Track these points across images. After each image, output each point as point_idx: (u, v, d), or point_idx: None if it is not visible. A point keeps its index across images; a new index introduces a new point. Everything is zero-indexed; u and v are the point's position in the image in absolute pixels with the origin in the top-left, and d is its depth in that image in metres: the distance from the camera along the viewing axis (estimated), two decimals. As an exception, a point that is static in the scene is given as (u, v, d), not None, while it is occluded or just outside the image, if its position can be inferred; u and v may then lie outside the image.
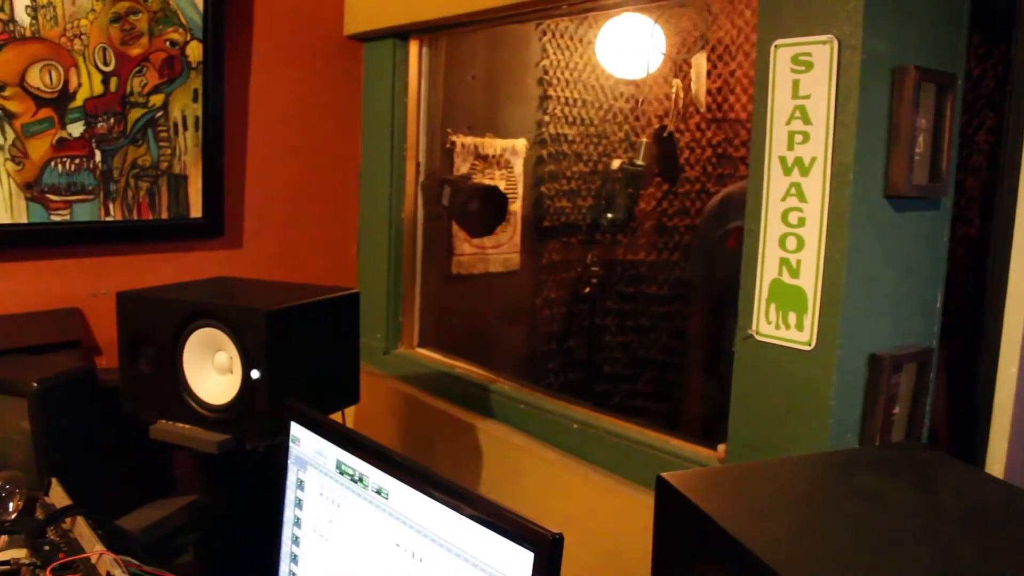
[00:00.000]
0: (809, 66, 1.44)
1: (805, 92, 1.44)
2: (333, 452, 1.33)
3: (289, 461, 1.45)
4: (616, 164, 2.69)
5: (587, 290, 2.85)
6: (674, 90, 2.30)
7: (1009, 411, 1.45)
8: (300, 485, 1.42)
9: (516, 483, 1.98)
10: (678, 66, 2.65)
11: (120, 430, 1.92)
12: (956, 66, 1.55)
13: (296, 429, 1.45)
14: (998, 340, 1.48)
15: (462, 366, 2.34)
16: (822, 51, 1.42)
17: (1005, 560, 0.72)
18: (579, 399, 2.07)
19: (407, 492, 1.16)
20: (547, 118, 2.92)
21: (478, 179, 2.64)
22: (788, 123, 1.47)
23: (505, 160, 2.77)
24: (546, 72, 2.90)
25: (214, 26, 2.21)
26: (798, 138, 1.46)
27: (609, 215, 2.74)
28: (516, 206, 2.84)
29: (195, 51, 2.21)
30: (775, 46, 1.48)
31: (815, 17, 1.42)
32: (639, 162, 2.54)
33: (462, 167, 2.64)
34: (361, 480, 1.25)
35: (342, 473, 1.30)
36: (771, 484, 0.88)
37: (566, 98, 2.96)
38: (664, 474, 0.87)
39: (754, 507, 0.81)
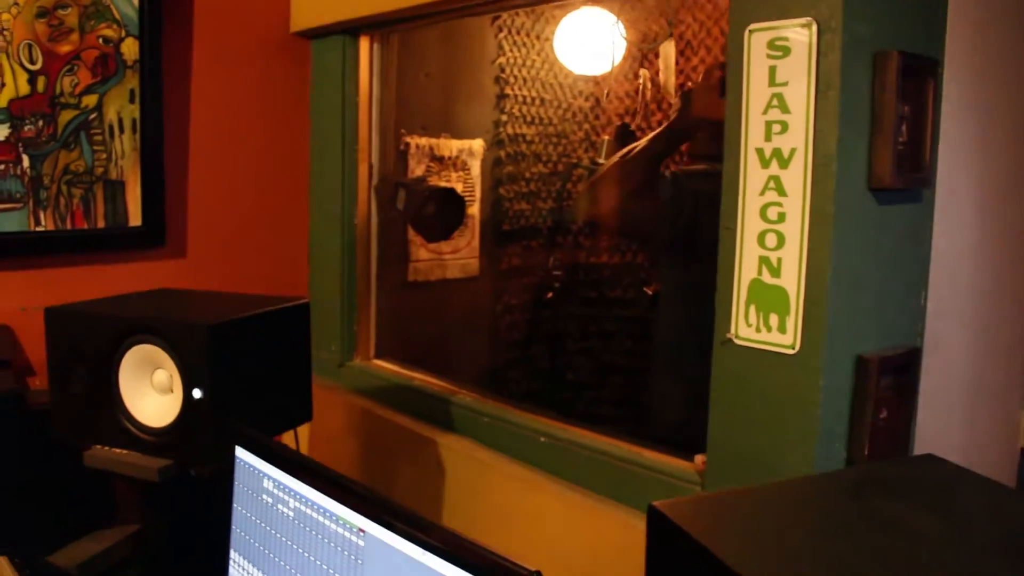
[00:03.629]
0: (786, 51, 1.35)
1: (782, 79, 1.36)
2: (286, 481, 1.21)
3: (235, 489, 1.33)
4: (579, 163, 2.60)
5: (549, 295, 2.75)
6: (641, 81, 2.21)
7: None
8: (248, 515, 1.30)
9: (482, 502, 1.87)
10: (644, 56, 2.56)
11: (53, 457, 1.79)
12: (936, 50, 1.48)
13: (241, 454, 1.33)
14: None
15: (421, 377, 2.22)
16: (800, 35, 1.33)
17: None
18: (543, 408, 1.96)
19: (369, 526, 1.05)
20: (504, 117, 2.82)
21: (434, 181, 2.53)
22: (765, 112, 1.38)
23: (462, 162, 2.66)
24: (503, 70, 2.80)
25: (151, 22, 2.07)
26: (776, 128, 1.37)
27: (570, 217, 2.65)
28: (474, 209, 2.73)
29: (131, 49, 2.07)
30: (749, 30, 1.39)
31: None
32: (601, 161, 2.45)
33: (417, 169, 2.52)
34: (321, 512, 1.14)
35: (302, 505, 1.18)
36: (774, 511, 0.78)
37: (524, 97, 2.86)
38: (656, 503, 0.77)
39: (761, 540, 0.71)
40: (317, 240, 2.44)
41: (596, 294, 2.96)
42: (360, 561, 1.06)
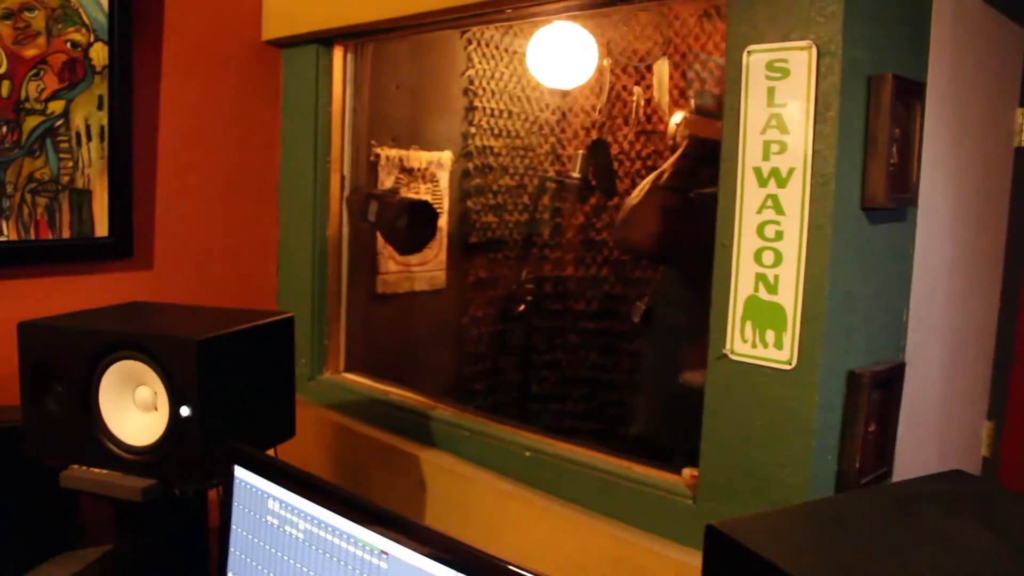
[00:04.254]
0: (786, 73, 1.38)
1: (781, 100, 1.38)
2: (295, 502, 1.19)
3: (233, 510, 1.30)
4: (556, 177, 2.61)
5: (521, 308, 2.75)
6: (635, 98, 2.23)
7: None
8: (248, 536, 1.27)
9: (467, 516, 1.86)
10: (640, 73, 2.58)
11: (15, 477, 1.71)
12: (921, 74, 1.53)
13: (241, 473, 1.29)
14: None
15: (397, 392, 2.20)
16: (800, 57, 1.36)
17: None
18: (520, 422, 1.96)
19: (393, 548, 1.03)
20: (473, 130, 2.81)
21: (404, 193, 2.51)
22: (763, 132, 1.41)
23: (431, 174, 2.64)
24: (472, 82, 2.80)
25: (120, 27, 2.01)
26: (774, 148, 1.39)
27: (541, 230, 2.65)
28: (442, 221, 2.71)
29: (100, 54, 2.01)
30: (748, 51, 1.41)
31: (792, 23, 1.36)
32: (575, 174, 2.46)
33: (387, 181, 2.50)
34: (337, 534, 1.11)
35: (314, 527, 1.16)
36: (830, 527, 0.79)
37: (492, 109, 2.86)
38: (714, 522, 0.78)
39: (826, 555, 0.72)
40: (287, 252, 2.40)
41: (561, 307, 2.97)
42: (382, 583, 1.04)
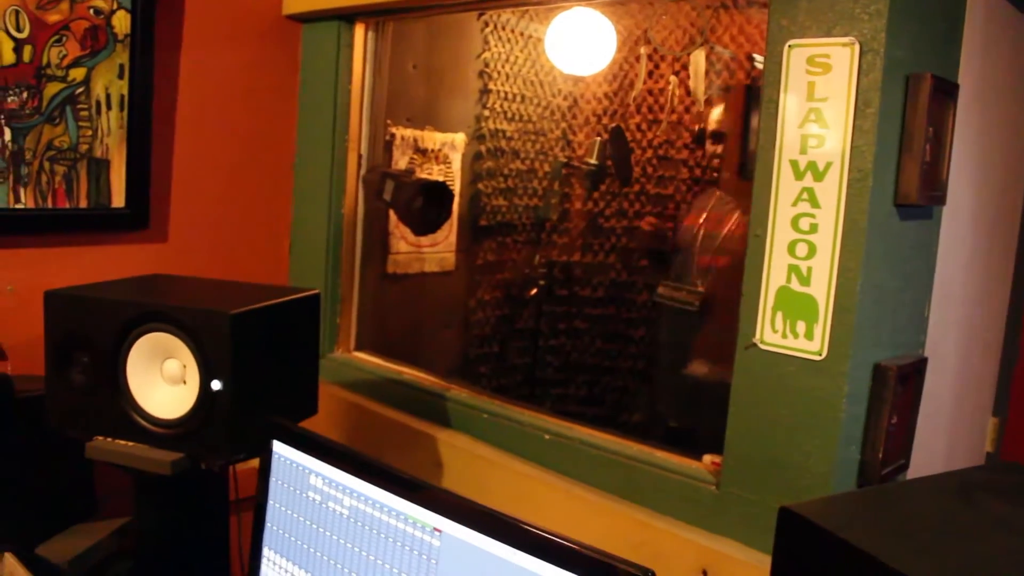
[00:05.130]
0: (827, 68, 1.39)
1: (821, 95, 1.40)
2: (339, 478, 1.20)
3: (271, 484, 1.31)
4: (568, 162, 2.62)
5: (533, 291, 2.76)
6: (671, 87, 2.24)
7: None
8: (288, 512, 1.28)
9: (487, 498, 1.85)
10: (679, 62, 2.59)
11: (34, 447, 1.71)
12: (954, 74, 1.55)
13: (281, 448, 1.30)
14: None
15: (409, 371, 2.21)
16: (842, 53, 1.37)
17: None
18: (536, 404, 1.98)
19: (447, 525, 1.05)
20: (486, 112, 2.81)
21: (418, 174, 2.51)
22: (801, 126, 1.42)
23: (444, 155, 2.65)
24: (487, 65, 2.80)
25: (145, -5, 2.00)
26: (812, 142, 1.41)
27: (551, 215, 2.67)
28: (454, 203, 2.72)
29: (122, 22, 1.99)
30: (789, 46, 1.43)
31: (834, 19, 1.38)
32: (592, 160, 2.47)
33: (401, 161, 2.50)
34: (386, 511, 1.12)
35: (360, 504, 1.17)
36: (898, 512, 0.82)
37: (506, 93, 2.86)
38: (787, 505, 0.80)
39: (904, 539, 0.74)
40: (301, 229, 2.39)
41: (567, 292, 2.98)
42: (434, 561, 1.05)
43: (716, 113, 2.00)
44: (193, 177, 2.21)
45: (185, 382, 1.51)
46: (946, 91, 1.48)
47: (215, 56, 2.21)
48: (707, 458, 1.66)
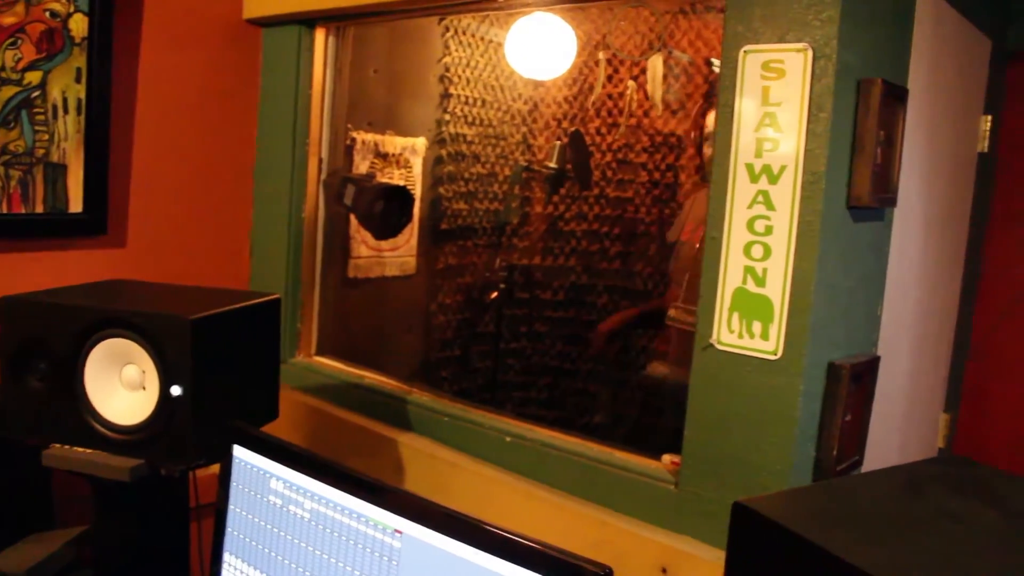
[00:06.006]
0: (781, 73, 1.42)
1: (776, 99, 1.43)
2: (300, 482, 1.20)
3: (231, 489, 1.30)
4: (525, 165, 2.63)
5: (494, 295, 2.77)
6: (629, 92, 2.26)
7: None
8: (248, 516, 1.27)
9: (449, 501, 1.85)
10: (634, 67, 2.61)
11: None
12: (904, 79, 1.59)
13: (241, 453, 1.30)
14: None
15: (370, 375, 2.21)
16: (795, 59, 1.40)
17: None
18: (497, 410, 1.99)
19: (407, 526, 1.05)
20: (447, 117, 2.82)
21: (378, 178, 2.51)
22: (757, 130, 1.45)
23: (404, 159, 2.65)
24: (448, 70, 2.80)
25: (102, -1, 1.98)
26: (767, 145, 1.44)
27: (512, 218, 2.68)
28: (414, 207, 2.72)
29: (79, 25, 1.97)
30: (744, 51, 1.46)
31: (788, 25, 1.41)
32: (552, 164, 2.48)
33: (361, 165, 2.50)
34: (346, 513, 1.13)
35: (321, 507, 1.17)
36: (849, 505, 0.84)
37: (466, 97, 2.87)
38: (741, 500, 0.81)
39: (855, 531, 0.76)
40: (261, 233, 2.38)
41: (528, 295, 3.00)
42: (395, 562, 1.06)
43: (712, 119, 2.02)
44: (152, 182, 2.19)
45: (144, 388, 1.49)
46: (896, 95, 1.52)
47: (174, 60, 2.19)
48: (666, 458, 1.68)
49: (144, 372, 1.49)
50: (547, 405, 2.97)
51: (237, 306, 1.59)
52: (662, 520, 1.60)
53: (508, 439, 1.85)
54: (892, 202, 1.58)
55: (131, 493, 1.58)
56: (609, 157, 2.81)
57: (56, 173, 1.99)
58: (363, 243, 2.58)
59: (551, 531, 1.71)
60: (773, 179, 1.44)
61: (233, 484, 1.31)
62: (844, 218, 1.47)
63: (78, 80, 1.99)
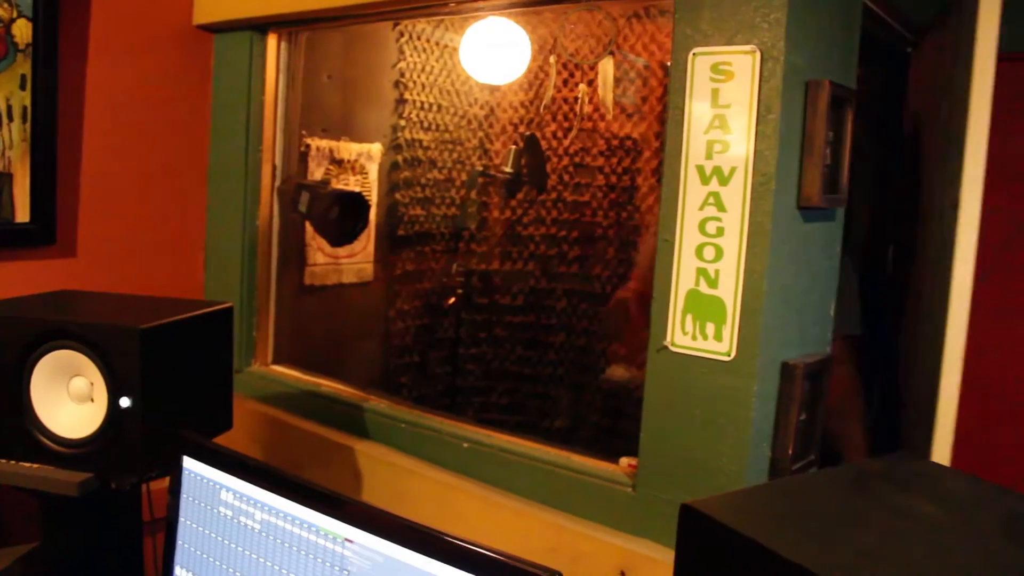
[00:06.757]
0: (730, 75, 1.43)
1: (725, 101, 1.43)
2: (251, 492, 1.18)
3: (182, 501, 1.28)
4: (481, 170, 2.63)
5: (451, 301, 2.75)
6: (580, 96, 2.26)
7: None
8: (199, 528, 1.25)
9: (405, 508, 1.83)
10: (582, 72, 2.61)
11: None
12: (851, 80, 1.61)
13: (191, 464, 1.28)
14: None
15: (327, 383, 2.19)
16: (744, 61, 1.41)
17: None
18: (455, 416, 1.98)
19: (357, 535, 1.04)
20: (403, 122, 2.80)
21: (334, 184, 2.49)
22: (707, 132, 1.46)
23: (360, 165, 2.63)
24: (402, 75, 2.79)
25: (46, 3, 1.93)
26: (717, 147, 1.45)
27: (469, 223, 2.67)
28: (371, 214, 2.70)
29: (23, 31, 1.93)
30: (693, 54, 1.46)
31: (736, 27, 1.42)
32: (507, 169, 2.48)
33: (316, 172, 2.48)
34: (297, 524, 1.11)
35: (272, 517, 1.15)
36: (795, 504, 0.84)
37: (422, 102, 2.85)
38: (688, 501, 0.81)
39: (800, 530, 0.77)
40: (215, 242, 2.35)
41: (487, 300, 2.99)
42: (346, 572, 1.05)
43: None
44: (103, 190, 2.15)
45: (93, 400, 1.47)
46: (844, 96, 1.53)
47: (124, 66, 2.16)
48: (623, 460, 1.68)
49: (92, 384, 1.46)
50: (508, 410, 2.96)
51: (188, 315, 1.56)
52: (620, 523, 1.59)
53: (466, 445, 1.84)
54: (841, 202, 1.60)
55: (81, 508, 1.55)
56: (566, 161, 2.81)
57: (1, 182, 1.95)
58: (319, 250, 2.56)
59: (509, 536, 1.70)
60: (724, 181, 1.44)
61: (183, 496, 1.29)
62: (795, 218, 1.48)
63: (23, 87, 1.95)
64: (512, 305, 2.98)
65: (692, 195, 1.48)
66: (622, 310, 2.24)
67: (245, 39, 2.22)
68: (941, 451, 1.57)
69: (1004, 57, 1.61)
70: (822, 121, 1.45)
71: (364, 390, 2.14)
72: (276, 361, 2.36)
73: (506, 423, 2.83)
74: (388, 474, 1.91)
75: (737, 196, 1.43)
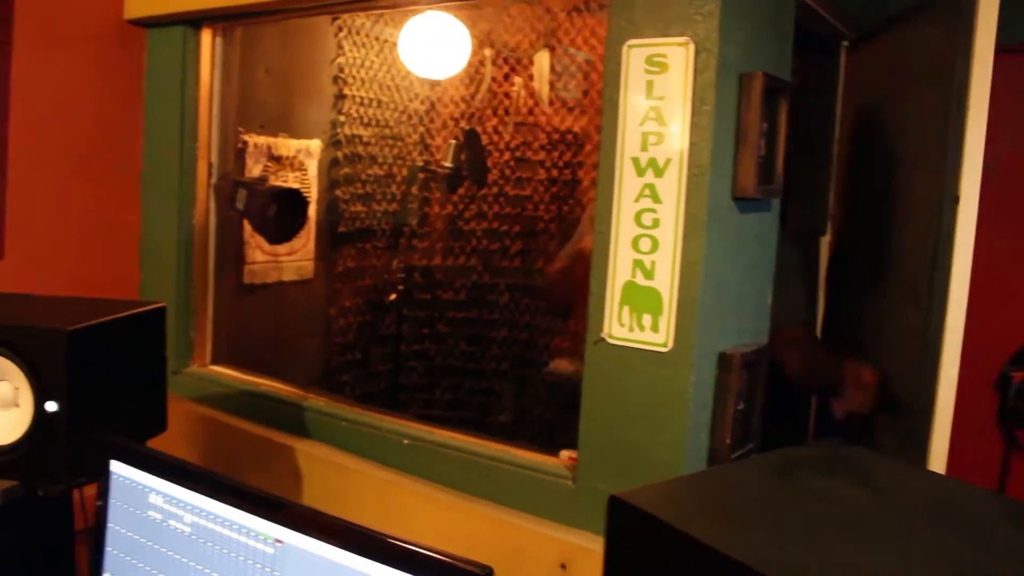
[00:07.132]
0: (664, 67, 1.43)
1: (660, 93, 1.44)
2: (180, 495, 1.15)
3: (109, 506, 1.25)
4: (424, 166, 2.61)
5: (392, 297, 2.73)
6: (516, 89, 2.25)
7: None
8: (127, 533, 1.22)
9: (346, 506, 1.83)
10: (519, 64, 2.60)
11: None
12: (786, 72, 1.62)
13: (119, 468, 1.24)
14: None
15: (266, 383, 2.15)
16: (678, 53, 1.42)
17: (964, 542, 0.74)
18: (396, 410, 1.96)
19: (287, 535, 1.02)
20: (342, 118, 2.77)
21: (272, 181, 2.45)
22: (642, 124, 1.46)
23: (299, 162, 2.59)
24: (342, 70, 2.75)
25: (-35, -2, 1.88)
26: (652, 139, 1.45)
27: (410, 219, 2.65)
28: (311, 211, 2.66)
29: (-59, 27, 1.87)
30: (628, 46, 1.46)
31: (670, 19, 1.42)
32: (447, 164, 2.47)
33: (254, 169, 2.44)
34: (227, 525, 1.09)
35: (201, 519, 1.13)
36: (721, 493, 0.85)
37: (361, 98, 2.82)
38: (616, 493, 0.81)
39: (722, 517, 0.77)
40: (150, 241, 2.30)
41: (429, 296, 2.97)
42: (277, 573, 1.03)
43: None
44: (32, 190, 2.09)
45: (18, 405, 1.42)
46: (778, 88, 1.54)
47: (51, 62, 2.10)
48: (564, 453, 1.68)
49: (17, 389, 1.41)
50: (452, 406, 2.95)
51: (117, 316, 1.52)
52: (561, 516, 1.59)
53: (406, 441, 1.82)
54: (776, 193, 1.61)
55: (6, 517, 1.50)
56: (507, 155, 2.80)
57: (-79, 182, 1.88)
58: (258, 248, 2.52)
59: (450, 532, 1.69)
60: (659, 172, 1.45)
61: (112, 501, 1.25)
62: (730, 210, 1.49)
63: (-57, 84, 1.89)
64: (455, 300, 2.97)
65: (628, 187, 1.48)
66: (567, 277, 2.21)
67: (178, 34, 2.17)
68: (938, 454, 1.61)
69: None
70: (756, 112, 1.46)
71: (304, 388, 2.11)
72: (215, 361, 2.32)
73: (450, 419, 2.82)
74: (329, 473, 1.89)
75: (672, 188, 1.43)
